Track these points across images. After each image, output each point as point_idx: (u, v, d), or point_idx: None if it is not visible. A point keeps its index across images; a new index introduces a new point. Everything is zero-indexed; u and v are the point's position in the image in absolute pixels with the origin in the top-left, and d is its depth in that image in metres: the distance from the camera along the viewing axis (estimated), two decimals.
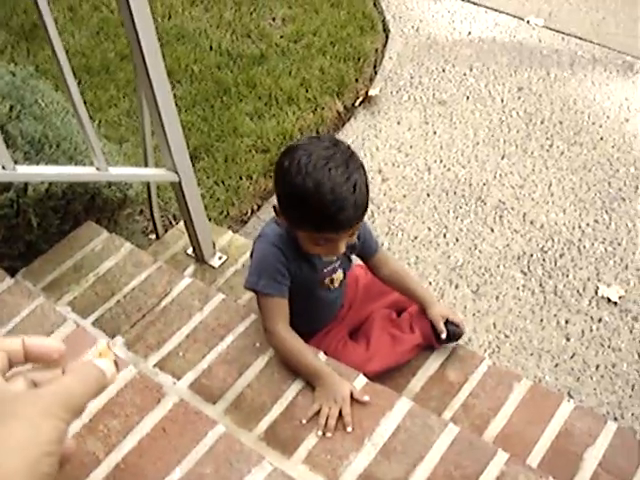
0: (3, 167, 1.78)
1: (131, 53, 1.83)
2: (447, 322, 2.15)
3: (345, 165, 1.65)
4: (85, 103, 1.88)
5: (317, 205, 1.66)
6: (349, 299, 2.24)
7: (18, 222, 2.24)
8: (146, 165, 2.37)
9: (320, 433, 1.69)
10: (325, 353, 1.94)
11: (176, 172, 2.12)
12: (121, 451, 1.47)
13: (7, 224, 2.23)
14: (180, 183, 2.16)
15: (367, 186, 1.72)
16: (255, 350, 1.89)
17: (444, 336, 2.11)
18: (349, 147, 1.72)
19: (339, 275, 2.05)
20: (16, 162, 1.82)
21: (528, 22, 4.48)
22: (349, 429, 1.69)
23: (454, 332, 2.15)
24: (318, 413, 1.72)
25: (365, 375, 1.88)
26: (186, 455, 1.46)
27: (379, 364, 2.07)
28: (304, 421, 1.72)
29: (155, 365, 1.89)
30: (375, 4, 4.62)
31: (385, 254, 2.23)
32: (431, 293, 2.25)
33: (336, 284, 2.05)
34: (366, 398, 1.75)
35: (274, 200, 1.84)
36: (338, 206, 1.65)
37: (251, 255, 1.98)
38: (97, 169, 1.98)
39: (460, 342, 2.22)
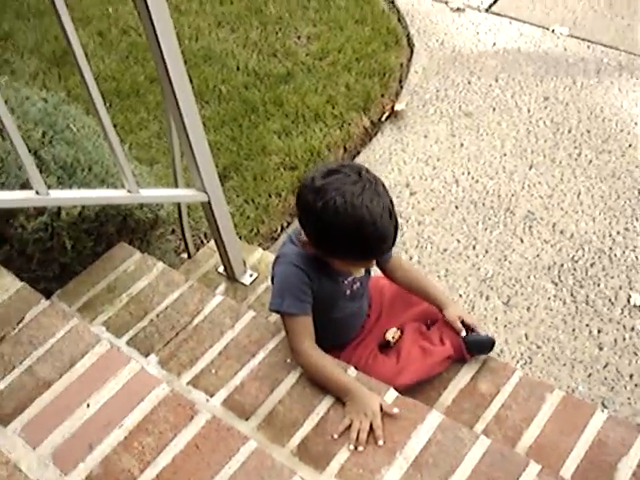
0: (37, 192, 1.83)
1: (158, 75, 1.87)
2: (470, 330, 2.16)
3: (377, 194, 1.71)
4: (116, 126, 1.92)
5: (361, 241, 1.74)
6: (376, 310, 2.26)
7: (52, 245, 2.29)
8: (176, 186, 2.41)
9: (352, 447, 1.70)
10: (355, 367, 1.96)
11: (205, 192, 2.16)
12: (156, 468, 1.50)
13: (42, 247, 2.28)
14: (209, 203, 2.20)
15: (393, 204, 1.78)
16: (286, 366, 1.91)
17: (463, 334, 2.14)
18: (368, 170, 1.76)
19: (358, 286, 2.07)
20: (49, 187, 1.87)
21: (553, 31, 4.47)
22: (380, 443, 1.70)
23: (480, 341, 2.17)
24: (349, 428, 1.74)
25: (396, 389, 1.89)
26: (219, 471, 1.48)
27: (410, 377, 2.08)
28: (336, 436, 1.73)
29: (188, 383, 1.92)
30: (399, 19, 4.65)
31: (398, 257, 2.26)
32: (446, 294, 2.25)
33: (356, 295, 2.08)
34: (395, 410, 1.76)
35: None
36: (382, 237, 1.74)
37: (272, 278, 2.00)
38: (128, 191, 2.02)
39: (491, 354, 2.22)
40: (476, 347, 2.18)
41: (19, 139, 1.73)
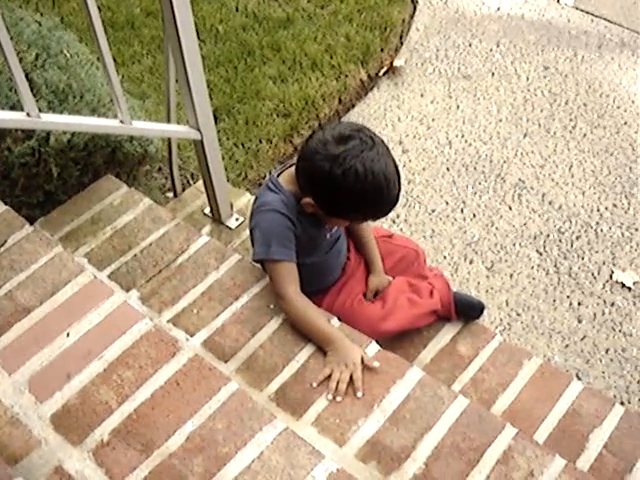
0: (28, 114, 1.78)
1: (161, 6, 1.82)
2: (465, 297, 2.18)
3: (389, 158, 1.75)
4: None
5: (376, 204, 1.80)
6: (355, 254, 2.26)
7: (38, 171, 2.24)
8: (168, 121, 2.36)
9: (330, 397, 1.70)
10: (341, 310, 2.00)
11: (199, 130, 2.12)
12: (134, 402, 1.49)
13: (27, 173, 2.23)
14: (202, 141, 2.16)
15: None
16: (269, 311, 1.89)
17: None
18: (374, 133, 1.78)
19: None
20: (40, 110, 1.81)
21: (558, 1, 4.41)
22: (359, 394, 1.70)
23: (471, 302, 2.19)
24: (329, 377, 1.73)
25: (377, 337, 1.90)
26: (198, 409, 1.47)
27: (394, 324, 2.10)
28: (315, 384, 1.73)
29: (169, 321, 1.90)
30: None
31: None
32: (380, 264, 2.26)
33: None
34: (376, 364, 1.76)
35: None
36: (394, 200, 1.80)
37: (251, 230, 1.97)
38: (121, 122, 1.98)
39: None
40: (465, 307, 2.19)
41: (14, 58, 1.68)
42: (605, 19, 4.27)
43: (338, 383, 1.71)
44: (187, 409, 1.47)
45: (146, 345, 1.58)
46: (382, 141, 1.77)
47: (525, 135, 3.49)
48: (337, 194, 1.76)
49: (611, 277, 2.86)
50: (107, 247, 2.15)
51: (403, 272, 2.26)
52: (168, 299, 1.95)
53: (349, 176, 1.69)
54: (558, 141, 3.46)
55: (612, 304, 2.76)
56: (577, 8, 4.35)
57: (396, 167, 1.77)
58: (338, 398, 1.69)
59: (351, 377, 1.72)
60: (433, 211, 3.12)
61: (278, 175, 1.94)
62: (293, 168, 1.88)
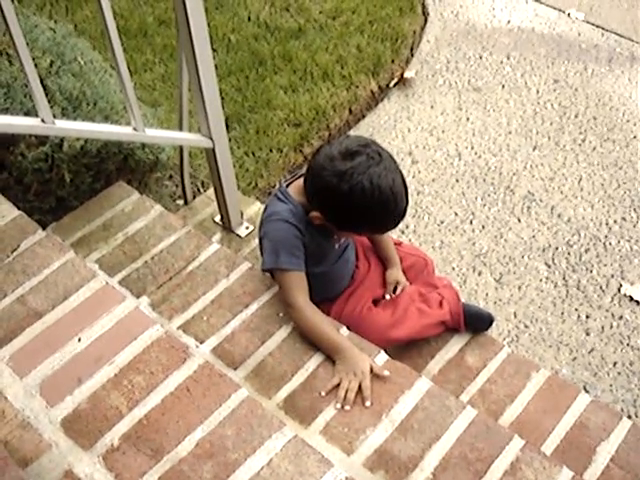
0: (43, 120, 1.80)
1: (174, 13, 1.83)
2: (474, 308, 2.19)
3: (397, 172, 1.77)
4: None
5: (383, 218, 1.81)
6: (364, 262, 2.27)
7: (51, 177, 2.26)
8: (181, 129, 2.37)
9: (338, 406, 1.70)
10: (350, 317, 2.02)
11: (211, 138, 2.13)
12: (144, 407, 1.50)
13: (40, 178, 2.25)
14: (214, 149, 2.17)
15: None
16: (278, 319, 1.90)
17: (387, 297, 2.19)
18: (382, 148, 1.79)
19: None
20: (54, 117, 1.83)
21: (569, 15, 4.42)
22: (368, 404, 1.71)
23: (480, 314, 2.19)
24: (338, 386, 1.74)
25: (386, 346, 1.92)
26: (208, 416, 1.48)
27: (403, 332, 2.10)
28: (323, 393, 1.73)
29: (179, 327, 1.91)
30: None
31: None
32: (396, 257, 2.28)
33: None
34: (386, 373, 1.76)
35: None
36: (401, 213, 1.81)
37: (260, 239, 1.99)
38: (134, 129, 1.99)
39: None
40: (474, 318, 2.19)
41: (31, 65, 1.69)
42: (615, 33, 4.27)
43: (347, 392, 1.72)
44: (197, 415, 1.48)
45: (157, 351, 1.59)
46: (390, 156, 1.78)
47: (535, 148, 3.49)
48: (344, 209, 1.77)
49: (619, 290, 2.86)
50: (118, 253, 2.16)
51: (413, 280, 2.26)
52: (178, 306, 1.96)
53: (356, 192, 1.71)
54: (567, 154, 3.47)
55: (620, 317, 2.76)
56: (587, 22, 4.36)
57: (404, 181, 1.78)
58: (346, 407, 1.70)
59: (360, 386, 1.73)
60: (442, 222, 3.12)
61: (287, 185, 1.96)
62: (302, 179, 1.90)
